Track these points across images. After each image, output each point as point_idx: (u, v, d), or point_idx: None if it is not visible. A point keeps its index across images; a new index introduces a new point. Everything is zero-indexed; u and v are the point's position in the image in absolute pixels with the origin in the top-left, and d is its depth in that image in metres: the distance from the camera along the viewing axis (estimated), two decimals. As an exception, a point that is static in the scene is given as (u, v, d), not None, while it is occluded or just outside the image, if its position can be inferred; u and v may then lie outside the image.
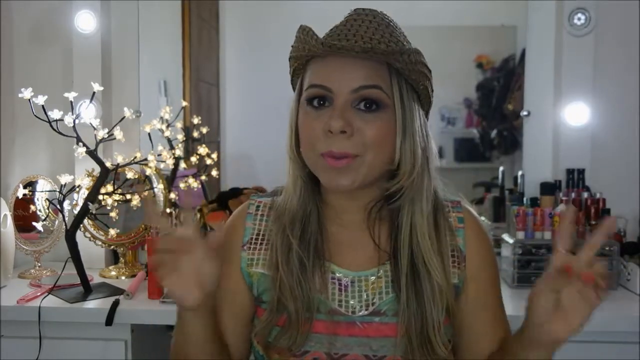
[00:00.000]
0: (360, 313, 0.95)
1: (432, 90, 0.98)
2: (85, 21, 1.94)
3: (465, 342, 1.01)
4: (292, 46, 0.95)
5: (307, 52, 0.92)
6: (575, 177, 1.89)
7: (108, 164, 1.64)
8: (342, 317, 0.95)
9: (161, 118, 1.95)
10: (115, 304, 1.51)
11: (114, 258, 2.00)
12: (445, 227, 0.99)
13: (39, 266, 1.89)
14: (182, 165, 2.04)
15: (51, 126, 1.53)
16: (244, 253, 1.01)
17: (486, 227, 1.05)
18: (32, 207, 1.83)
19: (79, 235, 1.70)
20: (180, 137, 2.03)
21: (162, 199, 1.92)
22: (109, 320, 1.48)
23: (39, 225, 1.91)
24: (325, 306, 0.95)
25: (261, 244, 1.01)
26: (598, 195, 1.78)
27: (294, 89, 1.01)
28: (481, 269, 1.00)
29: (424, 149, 0.96)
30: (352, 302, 0.96)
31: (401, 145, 0.93)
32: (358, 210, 0.99)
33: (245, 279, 1.01)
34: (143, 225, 1.89)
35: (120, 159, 1.66)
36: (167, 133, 1.96)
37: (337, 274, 0.97)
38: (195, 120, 2.10)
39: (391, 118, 0.92)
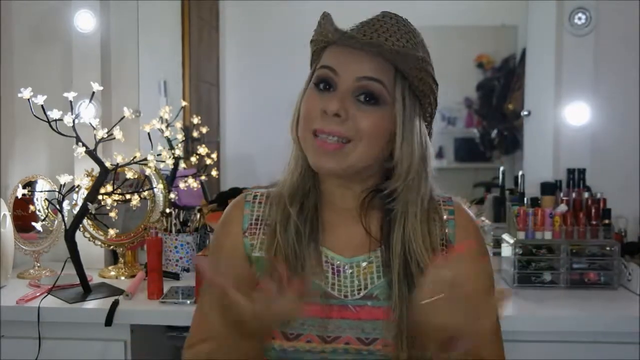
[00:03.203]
0: (353, 297, 0.98)
1: (436, 105, 1.00)
2: (85, 21, 1.94)
3: None
4: (314, 30, 1.00)
5: (322, 38, 0.97)
6: (576, 177, 1.88)
7: (107, 164, 1.64)
8: (335, 301, 0.98)
9: (161, 118, 1.94)
10: (115, 304, 1.50)
11: (113, 258, 2.00)
12: (436, 218, 1.01)
13: (38, 266, 1.89)
14: (182, 165, 2.04)
15: (50, 126, 1.53)
16: (246, 239, 1.04)
17: (477, 223, 1.06)
18: (32, 207, 1.83)
19: (79, 235, 1.70)
20: (180, 137, 2.03)
21: (161, 199, 1.92)
22: (109, 321, 1.48)
23: (38, 225, 1.91)
24: (319, 289, 0.98)
25: (260, 228, 1.04)
26: (599, 195, 1.77)
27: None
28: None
29: (422, 156, 0.97)
30: (344, 286, 0.99)
31: (401, 147, 0.96)
32: (351, 198, 1.02)
33: (250, 261, 1.03)
34: (142, 225, 1.89)
35: (119, 159, 1.66)
36: (166, 133, 1.96)
37: (331, 259, 1.00)
38: (195, 120, 2.09)
39: (388, 116, 0.95)
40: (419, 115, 0.97)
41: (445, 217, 1.02)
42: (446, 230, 1.01)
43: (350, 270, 0.99)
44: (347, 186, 1.01)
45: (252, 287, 1.01)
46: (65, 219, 1.67)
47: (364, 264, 1.00)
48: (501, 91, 3.00)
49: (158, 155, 1.72)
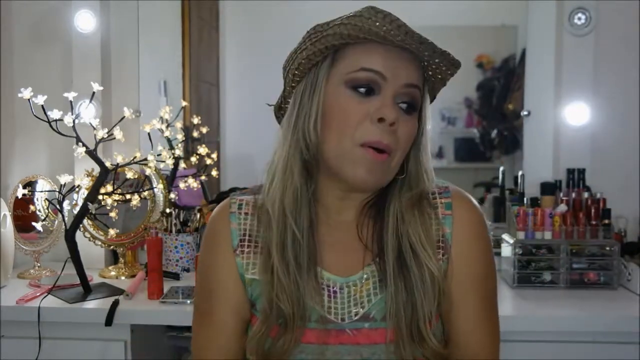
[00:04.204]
0: (350, 320, 0.93)
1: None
2: (85, 21, 1.94)
3: (452, 339, 0.98)
4: (339, 24, 0.88)
5: (370, 36, 0.86)
6: (576, 177, 1.88)
7: (108, 164, 1.64)
8: (332, 325, 0.93)
9: (161, 118, 1.94)
10: (115, 304, 1.50)
11: (113, 258, 2.00)
12: (431, 215, 0.95)
13: (38, 266, 1.89)
14: (182, 165, 2.04)
15: (51, 126, 1.53)
16: (239, 258, 0.98)
17: (481, 211, 0.99)
18: (32, 207, 1.83)
19: (79, 235, 1.70)
20: (180, 137, 2.03)
21: (161, 199, 1.92)
22: (109, 321, 1.48)
23: (38, 226, 1.91)
24: (316, 314, 0.93)
25: (250, 246, 0.98)
26: (599, 195, 1.77)
27: (298, 66, 0.92)
28: (466, 258, 0.96)
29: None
30: (341, 309, 0.94)
31: (415, 155, 0.94)
32: (351, 210, 0.97)
33: (243, 281, 0.99)
34: (142, 225, 1.89)
35: (119, 159, 1.66)
36: (166, 133, 1.96)
37: (327, 280, 0.95)
38: (195, 120, 2.09)
39: (417, 121, 0.93)
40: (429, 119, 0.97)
41: (441, 212, 0.96)
42: (445, 230, 0.95)
43: (347, 290, 0.94)
44: (350, 197, 0.96)
45: (248, 309, 0.99)
46: (66, 219, 1.67)
47: (360, 282, 0.94)
48: (501, 91, 3.00)
49: (158, 155, 1.72)
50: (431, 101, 0.98)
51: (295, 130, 0.92)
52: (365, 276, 0.94)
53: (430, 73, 0.93)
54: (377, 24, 0.85)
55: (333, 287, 0.94)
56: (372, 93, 0.88)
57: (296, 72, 0.93)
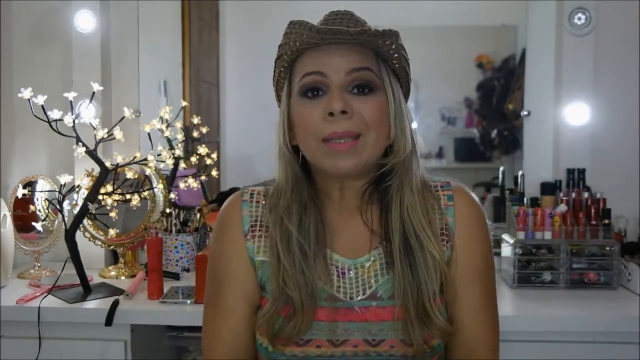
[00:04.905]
0: (358, 298, 0.97)
1: (411, 78, 1.02)
2: (85, 21, 1.94)
3: (455, 329, 1.01)
4: (280, 45, 0.98)
5: (299, 45, 0.94)
6: (576, 177, 1.88)
7: (108, 164, 1.64)
8: (341, 303, 0.97)
9: (161, 118, 1.94)
10: (115, 304, 1.50)
11: (113, 258, 2.00)
12: (435, 206, 1.00)
13: (38, 266, 1.89)
14: (182, 165, 2.04)
15: (51, 126, 1.53)
16: (249, 243, 1.02)
17: (479, 206, 1.04)
18: (32, 207, 1.83)
19: (79, 235, 1.70)
20: (180, 137, 2.03)
21: (161, 199, 1.92)
22: (109, 321, 1.48)
23: (38, 226, 1.91)
24: (325, 293, 0.97)
25: (261, 230, 1.02)
26: (599, 195, 1.77)
27: (277, 92, 1.04)
28: (468, 251, 1.01)
29: (412, 130, 1.00)
30: (350, 288, 0.98)
31: (394, 124, 0.97)
32: (354, 196, 1.02)
33: (254, 266, 1.02)
34: (142, 225, 1.89)
35: (119, 159, 1.66)
36: (166, 133, 1.96)
37: (336, 262, 0.99)
38: (195, 120, 2.09)
39: (384, 99, 0.96)
40: (400, 92, 1.00)
41: (443, 204, 1.01)
42: (448, 219, 1.00)
43: (355, 272, 0.99)
44: (349, 185, 1.01)
45: (257, 294, 1.02)
46: (66, 219, 1.67)
47: (368, 264, 0.99)
48: (501, 91, 3.00)
49: (158, 155, 1.72)
50: (408, 75, 1.01)
51: (279, 146, 1.00)
52: (372, 258, 0.99)
53: (378, 50, 0.96)
54: (297, 34, 0.93)
55: (342, 269, 0.99)
56: (320, 93, 0.95)
57: (277, 93, 1.04)
